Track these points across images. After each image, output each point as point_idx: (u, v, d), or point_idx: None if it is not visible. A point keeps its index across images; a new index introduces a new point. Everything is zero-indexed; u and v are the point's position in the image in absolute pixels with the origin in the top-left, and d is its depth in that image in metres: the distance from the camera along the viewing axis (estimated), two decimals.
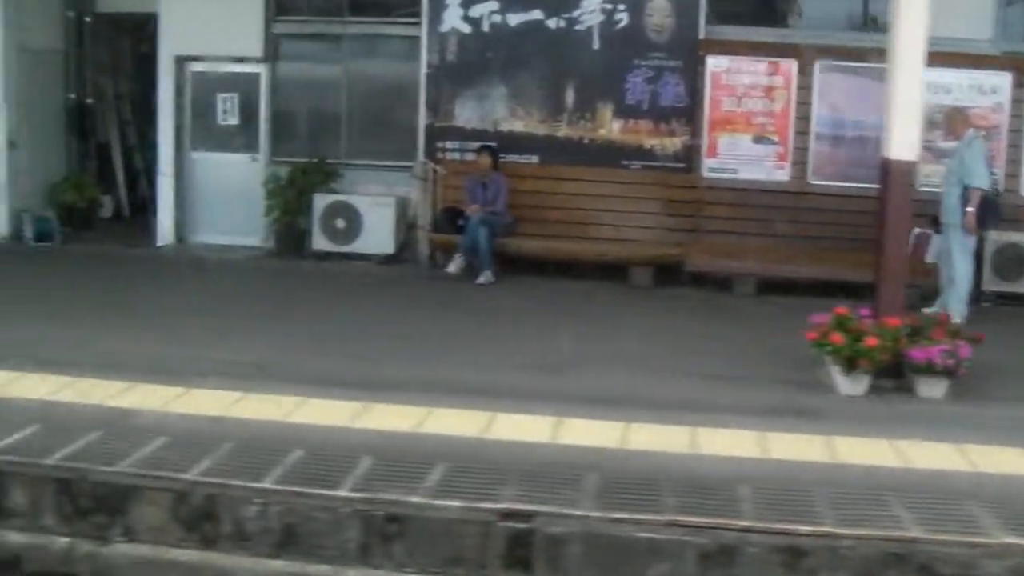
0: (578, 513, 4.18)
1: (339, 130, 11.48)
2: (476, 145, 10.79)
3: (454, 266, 10.32)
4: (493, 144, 10.73)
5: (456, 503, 4.23)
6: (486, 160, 10.52)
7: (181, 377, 5.84)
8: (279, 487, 4.33)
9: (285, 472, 4.48)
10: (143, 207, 13.27)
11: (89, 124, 13.01)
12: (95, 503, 4.38)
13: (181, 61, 11.64)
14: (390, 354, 6.98)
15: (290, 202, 11.09)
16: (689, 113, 10.79)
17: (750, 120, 10.63)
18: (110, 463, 4.48)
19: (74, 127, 12.86)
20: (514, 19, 10.96)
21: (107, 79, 13.28)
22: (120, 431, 4.93)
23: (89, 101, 12.97)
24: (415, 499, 4.25)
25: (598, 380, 6.52)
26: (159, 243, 11.75)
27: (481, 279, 10.05)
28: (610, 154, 10.96)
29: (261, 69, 11.56)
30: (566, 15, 10.90)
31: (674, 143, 10.91)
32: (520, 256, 10.42)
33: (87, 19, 12.80)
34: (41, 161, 12.39)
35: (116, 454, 4.58)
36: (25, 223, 11.86)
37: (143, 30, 13.77)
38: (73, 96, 12.80)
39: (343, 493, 4.29)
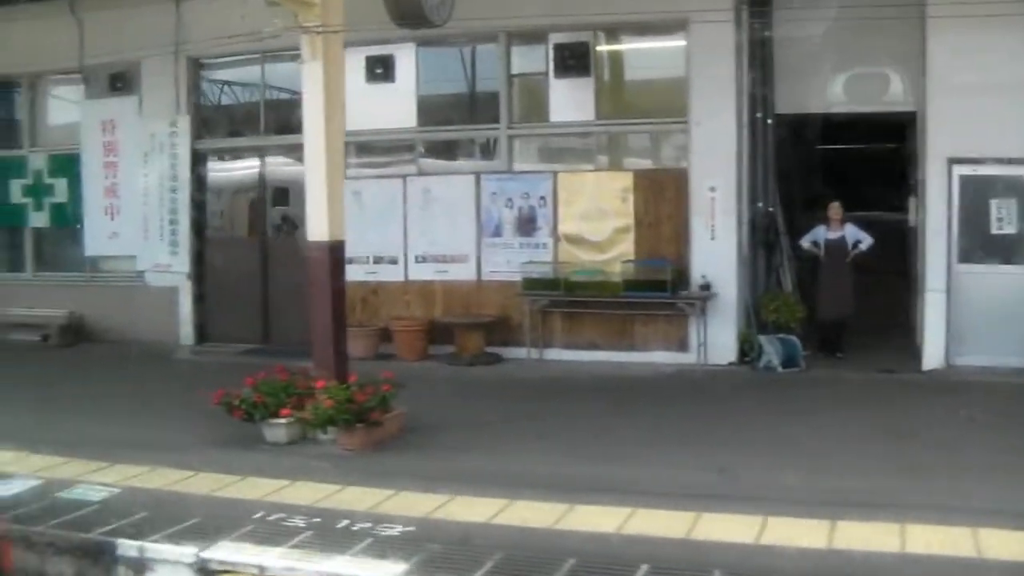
0: None
1: None
2: None
3: None
4: None
5: None
6: None
7: None
8: None
9: None
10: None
11: (772, 235, 11.87)
12: None
13: (950, 164, 10.48)
14: None
15: None
16: None
17: None
18: None
19: (761, 237, 11.75)
20: None
21: (778, 185, 12.17)
22: None
23: (771, 209, 11.87)
24: None
25: None
26: (926, 367, 10.45)
27: None
28: None
29: None
30: None
31: None
32: None
33: (769, 121, 11.77)
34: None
35: None
36: (766, 347, 10.69)
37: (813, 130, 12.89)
38: (760, 204, 11.71)
39: None
